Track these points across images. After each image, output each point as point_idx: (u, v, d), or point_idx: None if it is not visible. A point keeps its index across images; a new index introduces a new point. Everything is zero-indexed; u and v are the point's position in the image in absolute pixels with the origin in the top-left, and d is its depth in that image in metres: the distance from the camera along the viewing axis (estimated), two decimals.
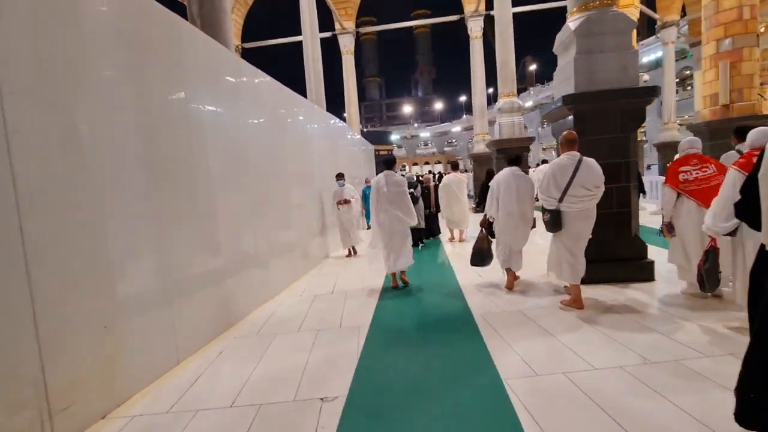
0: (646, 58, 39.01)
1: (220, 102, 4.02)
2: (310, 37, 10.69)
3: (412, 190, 7.02)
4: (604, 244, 4.47)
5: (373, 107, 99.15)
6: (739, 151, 3.90)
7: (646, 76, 31.54)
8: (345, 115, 15.59)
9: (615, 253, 4.48)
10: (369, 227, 11.09)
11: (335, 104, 10.16)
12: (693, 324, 3.20)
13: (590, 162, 3.70)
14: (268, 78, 5.33)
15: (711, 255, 3.22)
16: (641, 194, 7.82)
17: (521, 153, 5.68)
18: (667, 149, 15.31)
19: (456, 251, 7.31)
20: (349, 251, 7.24)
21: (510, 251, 4.53)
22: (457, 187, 7.92)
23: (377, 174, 14.11)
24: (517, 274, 4.70)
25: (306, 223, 6.32)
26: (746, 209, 1.63)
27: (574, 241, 3.76)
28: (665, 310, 3.54)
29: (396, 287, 4.94)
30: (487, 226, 4.72)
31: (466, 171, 21.55)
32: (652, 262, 4.43)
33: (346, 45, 15.00)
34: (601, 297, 4.00)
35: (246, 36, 16.42)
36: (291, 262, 5.65)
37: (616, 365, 2.60)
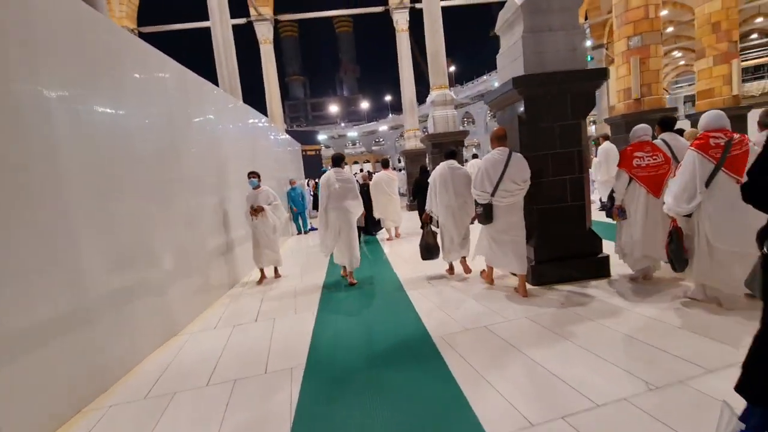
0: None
1: (84, 85, 2.88)
2: (220, 22, 9.37)
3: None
4: (559, 240, 4.12)
5: (298, 106, 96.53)
6: (663, 141, 4.02)
7: None
8: (267, 112, 14.25)
9: (569, 249, 4.15)
10: (299, 232, 10.12)
11: (255, 101, 8.97)
12: (674, 325, 2.87)
13: (519, 156, 3.85)
14: (165, 57, 4.19)
15: (674, 235, 3.24)
16: None
17: (457, 147, 5.59)
18: None
19: (394, 250, 7.00)
20: (263, 273, 5.56)
21: (452, 242, 4.65)
22: (387, 185, 7.79)
23: (305, 176, 12.96)
24: (468, 264, 4.80)
25: (217, 238, 5.21)
26: (756, 192, 1.38)
27: (502, 233, 3.89)
28: (637, 312, 3.20)
29: (346, 278, 5.07)
30: (429, 220, 4.82)
31: (396, 169, 21.34)
32: (607, 257, 4.18)
33: (264, 34, 13.66)
34: (566, 301, 3.59)
35: (143, 19, 14.24)
36: (202, 284, 4.55)
37: (619, 397, 2.09)
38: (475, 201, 4.04)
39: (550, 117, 4.02)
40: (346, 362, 2.89)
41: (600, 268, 4.16)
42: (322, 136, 54.30)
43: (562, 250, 4.14)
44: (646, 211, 3.74)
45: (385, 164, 8.49)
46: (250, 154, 7.09)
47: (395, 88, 13.60)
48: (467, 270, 4.75)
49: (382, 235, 8.61)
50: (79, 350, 2.62)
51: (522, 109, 4.04)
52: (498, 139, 3.96)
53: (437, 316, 3.59)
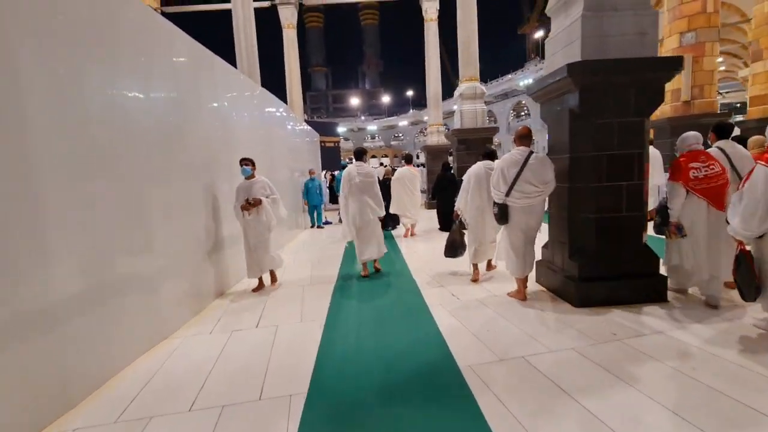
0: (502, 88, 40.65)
1: (54, 47, 2.44)
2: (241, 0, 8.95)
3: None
4: (609, 255, 3.54)
5: (319, 97, 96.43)
6: (720, 149, 3.72)
7: None
8: (287, 99, 13.84)
9: (620, 267, 3.56)
10: (313, 225, 9.70)
11: (275, 88, 8.53)
12: (763, 375, 2.29)
13: (539, 158, 3.66)
14: (162, 20, 3.75)
15: (743, 260, 2.82)
16: None
17: (495, 148, 5.23)
18: None
19: (411, 249, 6.77)
20: (260, 282, 4.73)
21: (480, 244, 4.52)
22: (409, 181, 7.63)
23: (322, 167, 12.49)
24: (492, 263, 4.85)
25: (218, 231, 4.63)
26: None
27: (516, 235, 3.76)
28: (712, 353, 2.62)
29: (366, 276, 4.97)
30: (457, 218, 4.64)
31: (416, 165, 20.71)
32: (664, 279, 3.58)
33: (288, 18, 13.21)
34: (619, 331, 3.02)
35: None
36: (196, 283, 4.14)
37: None
38: (494, 201, 3.89)
39: (610, 112, 3.43)
40: (357, 393, 2.41)
41: (655, 291, 3.56)
42: (341, 129, 54.22)
43: (612, 267, 3.56)
44: (708, 226, 3.39)
45: (408, 160, 8.29)
46: (265, 143, 6.66)
47: (417, 84, 13.25)
48: (490, 267, 4.88)
49: (398, 231, 8.36)
50: (40, 358, 2.21)
51: (575, 101, 3.45)
52: (520, 139, 3.78)
53: (464, 338, 3.06)
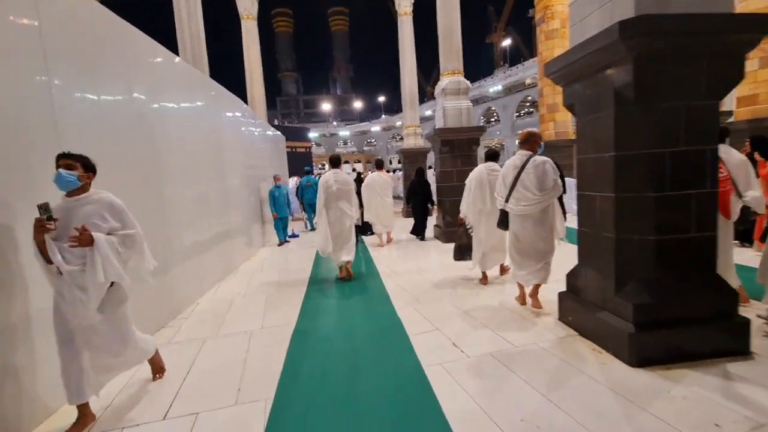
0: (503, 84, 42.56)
1: None
2: None
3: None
4: (674, 291, 2.54)
5: (290, 102, 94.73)
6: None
7: None
8: (247, 98, 12.48)
9: (689, 307, 2.56)
10: (281, 243, 8.23)
11: (237, 89, 7.25)
12: None
13: (538, 162, 3.45)
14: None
15: None
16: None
17: (498, 149, 4.98)
18: None
19: (387, 263, 6.02)
20: (86, 415, 2.26)
21: (486, 250, 4.38)
22: (381, 187, 7.24)
23: (294, 173, 11.41)
24: (505, 264, 4.62)
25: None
26: None
27: (514, 243, 3.65)
28: None
29: (343, 279, 5.03)
30: (462, 224, 4.60)
31: (390, 171, 19.74)
32: (747, 322, 2.60)
33: (247, 8, 11.75)
34: (721, 417, 1.99)
35: None
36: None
37: None
38: None
39: (675, 92, 2.44)
40: None
41: (734, 338, 2.58)
42: (313, 134, 53.39)
43: (678, 307, 2.55)
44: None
45: (379, 165, 7.86)
46: (206, 143, 5.36)
47: (389, 90, 12.33)
48: (504, 271, 4.71)
49: (372, 239, 7.85)
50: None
51: (627, 77, 2.44)
52: (522, 142, 3.67)
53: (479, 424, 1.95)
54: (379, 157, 10.42)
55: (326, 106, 79.62)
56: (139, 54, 3.78)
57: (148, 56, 3.97)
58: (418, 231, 7.78)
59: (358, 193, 6.00)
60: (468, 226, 4.52)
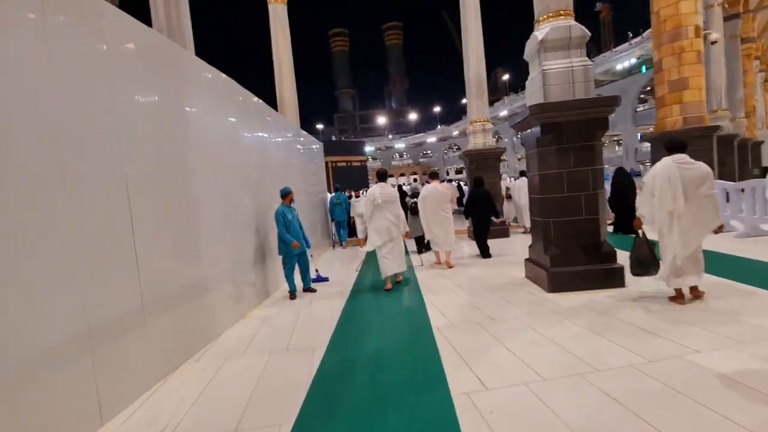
0: (620, 65, 40.79)
1: None
2: None
3: (415, 200, 7.12)
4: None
5: (347, 119, 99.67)
6: None
7: None
8: (276, 99, 10.90)
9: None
10: (293, 294, 5.28)
11: (262, 88, 7.43)
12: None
13: (697, 167, 3.68)
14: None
15: None
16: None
17: (685, 139, 4.03)
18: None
19: (440, 297, 4.72)
20: None
21: (683, 259, 3.68)
22: (437, 201, 6.34)
23: (333, 191, 10.42)
24: (700, 288, 3.84)
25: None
26: None
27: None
28: None
29: (389, 289, 5.25)
30: (640, 226, 4.01)
31: (446, 181, 18.65)
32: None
33: None
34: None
35: None
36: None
37: None
38: None
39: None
40: None
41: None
42: (369, 148, 55.41)
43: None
44: None
45: (434, 176, 7.08)
46: (231, 158, 4.70)
47: (444, 101, 11.79)
48: (696, 293, 3.83)
49: (429, 256, 7.21)
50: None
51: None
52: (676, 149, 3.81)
53: None
54: (434, 169, 9.67)
55: (381, 120, 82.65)
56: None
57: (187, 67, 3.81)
58: (483, 251, 6.96)
59: (403, 205, 6.46)
60: (643, 232, 3.95)
